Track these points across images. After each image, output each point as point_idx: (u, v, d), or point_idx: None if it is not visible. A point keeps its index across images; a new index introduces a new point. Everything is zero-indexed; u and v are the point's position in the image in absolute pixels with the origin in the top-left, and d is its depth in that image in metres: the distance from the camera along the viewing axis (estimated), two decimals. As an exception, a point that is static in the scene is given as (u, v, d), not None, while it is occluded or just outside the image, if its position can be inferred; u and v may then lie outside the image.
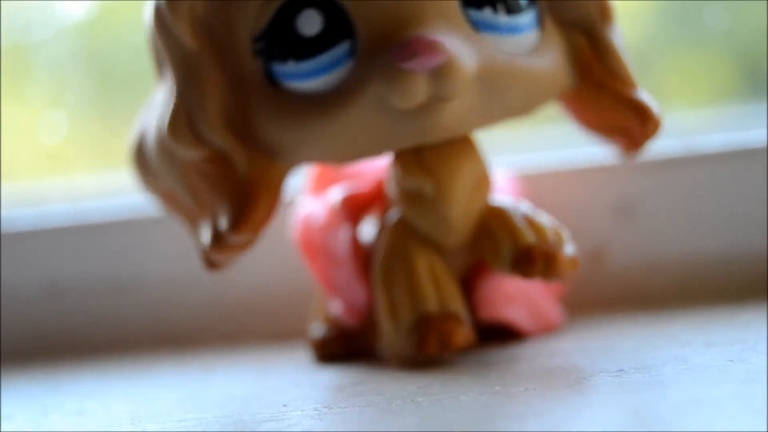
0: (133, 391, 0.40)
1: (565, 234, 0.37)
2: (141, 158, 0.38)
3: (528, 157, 0.46)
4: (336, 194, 0.40)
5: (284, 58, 0.35)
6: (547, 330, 0.40)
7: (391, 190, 0.38)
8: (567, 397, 0.31)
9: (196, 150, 0.36)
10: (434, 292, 0.37)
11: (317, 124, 0.35)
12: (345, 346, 0.40)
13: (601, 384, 0.32)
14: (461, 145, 0.37)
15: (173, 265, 0.48)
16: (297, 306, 0.45)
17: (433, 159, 0.36)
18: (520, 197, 0.41)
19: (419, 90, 0.33)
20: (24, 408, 0.39)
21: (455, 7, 0.35)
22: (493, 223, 0.37)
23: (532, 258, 0.36)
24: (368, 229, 0.39)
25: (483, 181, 0.37)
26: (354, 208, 0.39)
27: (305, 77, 0.35)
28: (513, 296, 0.39)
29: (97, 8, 0.60)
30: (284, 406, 0.34)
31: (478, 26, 0.35)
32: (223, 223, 0.36)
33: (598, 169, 0.45)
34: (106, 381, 0.43)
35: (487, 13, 0.35)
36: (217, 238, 0.36)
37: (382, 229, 0.38)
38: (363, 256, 0.39)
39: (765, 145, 0.44)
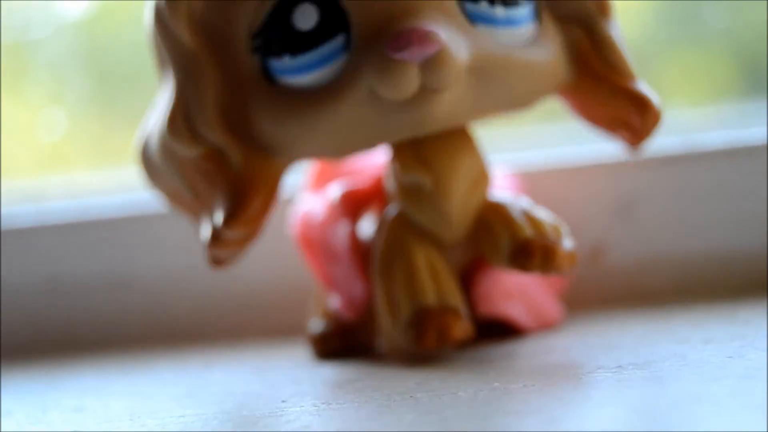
0: (132, 388, 0.40)
1: (564, 229, 0.37)
2: (147, 157, 0.38)
3: (527, 155, 0.46)
4: (335, 190, 0.40)
5: (280, 53, 0.35)
6: (546, 326, 0.40)
7: (390, 185, 0.38)
8: (566, 394, 0.31)
9: (193, 147, 0.36)
10: (433, 286, 0.37)
11: (311, 118, 0.35)
12: (344, 341, 0.40)
13: (600, 380, 0.32)
14: (460, 140, 0.37)
15: (172, 262, 0.48)
16: (296, 302, 0.45)
17: (432, 154, 0.36)
18: (519, 194, 0.41)
19: (410, 81, 0.33)
20: (23, 404, 0.39)
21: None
22: (492, 218, 0.37)
23: (531, 252, 0.36)
24: (367, 226, 0.39)
25: (482, 176, 0.37)
26: (353, 204, 0.39)
27: (300, 72, 0.35)
28: (512, 292, 0.39)
29: (97, 6, 0.60)
30: (283, 402, 0.34)
31: (473, 19, 0.35)
32: (218, 218, 0.36)
33: (597, 167, 0.45)
34: (105, 377, 0.43)
35: (483, 6, 0.35)
36: (213, 233, 0.36)
37: (381, 223, 0.38)
38: (362, 251, 0.39)
39: (765, 142, 0.44)
